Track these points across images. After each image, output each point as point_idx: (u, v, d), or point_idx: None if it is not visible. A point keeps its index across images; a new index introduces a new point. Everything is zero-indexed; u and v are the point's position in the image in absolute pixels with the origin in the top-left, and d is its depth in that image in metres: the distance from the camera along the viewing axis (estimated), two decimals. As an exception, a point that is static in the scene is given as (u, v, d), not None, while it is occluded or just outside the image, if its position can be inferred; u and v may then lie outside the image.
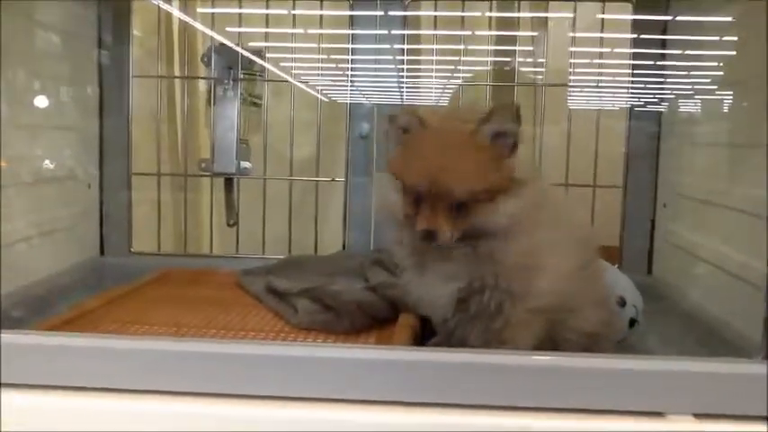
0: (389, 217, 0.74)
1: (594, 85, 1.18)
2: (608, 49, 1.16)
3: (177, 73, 1.34)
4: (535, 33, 1.25)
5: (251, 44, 1.18)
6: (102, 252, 1.21)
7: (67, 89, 1.10)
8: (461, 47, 1.16)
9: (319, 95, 1.25)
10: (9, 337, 0.60)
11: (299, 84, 1.23)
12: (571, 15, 1.15)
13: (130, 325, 0.86)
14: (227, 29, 1.19)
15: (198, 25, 1.25)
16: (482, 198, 0.67)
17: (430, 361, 0.61)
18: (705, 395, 0.59)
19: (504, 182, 0.68)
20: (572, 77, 1.16)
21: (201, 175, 1.22)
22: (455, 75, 1.19)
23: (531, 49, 1.23)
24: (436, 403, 0.60)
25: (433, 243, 0.68)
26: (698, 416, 0.59)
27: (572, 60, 1.16)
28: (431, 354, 0.63)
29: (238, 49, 1.16)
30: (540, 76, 1.20)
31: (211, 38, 1.18)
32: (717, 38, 0.99)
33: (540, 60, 1.22)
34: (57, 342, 0.62)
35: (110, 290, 0.99)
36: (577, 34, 1.15)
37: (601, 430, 0.59)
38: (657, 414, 0.60)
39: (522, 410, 0.60)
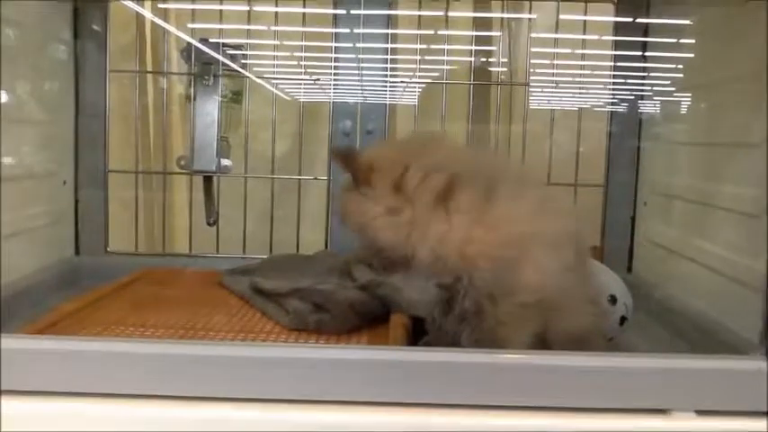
0: None
1: (574, 84, 1.19)
2: (579, 51, 1.17)
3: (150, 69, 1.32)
4: (498, 33, 1.27)
5: (230, 41, 1.16)
6: (77, 252, 1.17)
7: (38, 84, 1.06)
8: (423, 46, 1.17)
9: (301, 94, 1.23)
10: (9, 341, 0.58)
11: (280, 78, 1.21)
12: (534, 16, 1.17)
13: (115, 327, 0.84)
14: (197, 25, 1.17)
15: (168, 26, 1.23)
16: None
17: (427, 361, 0.61)
18: (707, 392, 0.60)
19: None
20: (555, 78, 1.17)
21: (180, 173, 1.20)
22: (420, 74, 1.19)
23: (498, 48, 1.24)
24: (434, 404, 0.60)
25: None
26: (700, 412, 0.60)
27: (552, 61, 1.17)
28: (427, 354, 0.62)
29: (213, 54, 1.14)
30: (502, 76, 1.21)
31: (191, 32, 1.15)
32: (693, 40, 1.02)
33: (504, 60, 1.23)
34: (55, 346, 0.60)
35: (90, 291, 0.96)
36: (560, 35, 1.16)
37: (605, 428, 0.60)
38: (661, 411, 0.60)
39: (526, 410, 0.60)
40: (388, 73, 1.16)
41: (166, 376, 0.59)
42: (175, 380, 0.59)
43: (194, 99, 1.17)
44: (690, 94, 1.05)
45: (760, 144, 0.80)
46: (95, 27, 1.16)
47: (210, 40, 1.15)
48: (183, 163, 1.18)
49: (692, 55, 1.03)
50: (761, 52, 0.79)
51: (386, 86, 1.17)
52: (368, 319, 0.88)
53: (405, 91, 1.21)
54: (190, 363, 0.59)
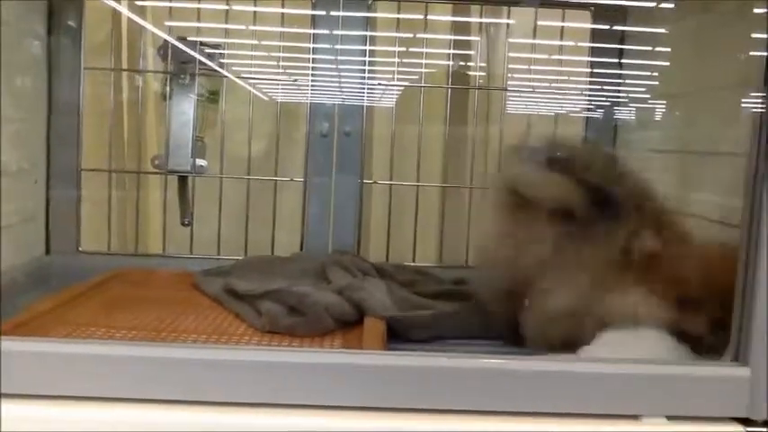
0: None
1: (551, 90, 1.20)
2: (556, 57, 1.18)
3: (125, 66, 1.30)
4: (477, 38, 1.27)
5: (208, 40, 1.15)
6: (47, 251, 1.15)
7: (10, 81, 1.04)
8: (401, 49, 1.17)
9: (279, 94, 1.23)
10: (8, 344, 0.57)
11: (257, 78, 1.20)
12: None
13: (85, 328, 0.82)
14: (175, 23, 1.16)
15: (145, 24, 1.22)
16: None
17: (402, 365, 0.61)
18: (677, 398, 0.61)
19: None
20: (532, 83, 1.18)
21: (155, 173, 1.18)
22: (398, 77, 1.19)
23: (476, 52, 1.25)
24: (409, 408, 0.60)
25: None
26: (671, 418, 0.61)
27: (529, 66, 1.17)
28: (403, 358, 0.62)
29: (190, 52, 1.13)
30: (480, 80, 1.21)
31: (168, 30, 1.14)
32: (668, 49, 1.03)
33: (482, 65, 1.24)
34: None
35: (61, 291, 0.94)
36: (537, 41, 1.17)
37: (576, 434, 0.60)
38: (632, 417, 0.61)
39: (497, 414, 0.60)
40: (366, 75, 1.16)
41: (144, 379, 0.58)
42: (155, 383, 0.58)
43: (170, 98, 1.15)
44: (664, 102, 1.06)
45: (732, 153, 0.81)
46: (70, 23, 1.14)
47: (188, 39, 1.14)
48: (157, 162, 1.17)
49: (666, 63, 1.04)
50: (733, 62, 0.80)
51: (364, 88, 1.17)
52: (342, 322, 0.88)
53: (383, 93, 1.21)
54: (162, 366, 0.59)
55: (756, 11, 0.74)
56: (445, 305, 0.95)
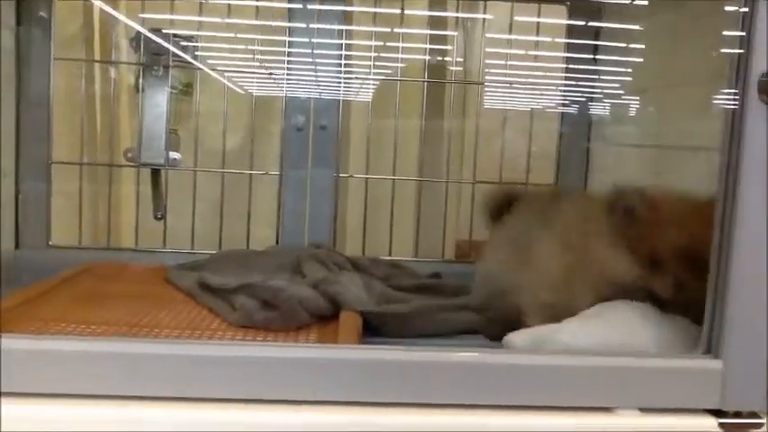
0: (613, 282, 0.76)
1: (527, 85, 1.20)
2: (532, 52, 1.18)
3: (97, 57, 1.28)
4: (453, 33, 1.27)
5: (182, 32, 1.14)
6: (17, 245, 1.13)
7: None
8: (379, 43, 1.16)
9: (254, 87, 1.22)
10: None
11: (232, 71, 1.19)
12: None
13: (54, 324, 0.81)
14: (148, 15, 1.14)
15: (118, 15, 1.20)
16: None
17: (379, 359, 0.61)
18: (650, 390, 0.61)
19: None
20: (508, 78, 1.18)
21: (128, 166, 1.17)
22: (375, 71, 1.18)
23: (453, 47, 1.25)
24: (385, 402, 0.60)
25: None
26: (643, 410, 0.61)
27: (506, 61, 1.17)
28: (380, 353, 0.62)
29: (163, 44, 1.11)
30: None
31: (142, 22, 1.12)
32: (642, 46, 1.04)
33: (459, 60, 1.24)
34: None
35: (31, 286, 0.93)
36: (513, 36, 1.17)
37: (549, 426, 0.60)
38: (605, 409, 0.61)
39: (469, 408, 0.60)
40: (343, 69, 1.15)
41: (130, 375, 0.57)
42: (138, 379, 0.57)
43: (143, 90, 1.14)
44: (638, 98, 1.07)
45: (704, 148, 0.82)
46: (41, 13, 1.12)
47: (162, 31, 1.12)
48: (130, 155, 1.15)
49: (640, 60, 1.05)
50: (705, 58, 0.81)
51: (340, 82, 1.16)
52: (317, 316, 0.87)
53: (360, 87, 1.21)
54: (139, 361, 0.58)
55: (727, 8, 0.76)
56: (421, 299, 0.95)
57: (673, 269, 0.73)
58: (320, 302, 0.87)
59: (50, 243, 1.15)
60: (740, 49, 0.60)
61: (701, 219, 0.69)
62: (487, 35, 1.20)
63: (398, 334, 0.87)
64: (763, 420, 0.61)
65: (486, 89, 1.21)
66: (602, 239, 0.78)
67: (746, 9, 0.60)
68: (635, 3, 1.01)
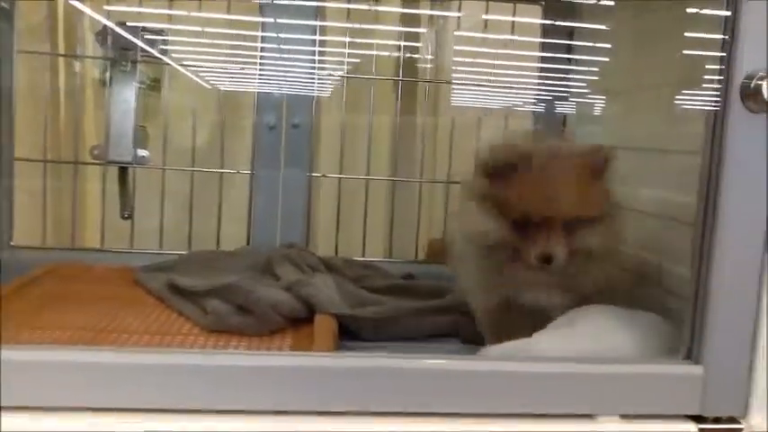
0: (480, 244, 0.76)
1: (500, 84, 1.19)
2: (505, 51, 1.18)
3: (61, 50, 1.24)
4: (424, 30, 1.26)
5: (150, 25, 1.11)
6: (-23, 245, 1.10)
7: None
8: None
9: (225, 83, 1.19)
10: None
11: (201, 67, 1.16)
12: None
13: (20, 329, 0.78)
14: (114, 8, 1.11)
15: (82, 7, 1.17)
16: (586, 223, 0.73)
17: (356, 367, 0.60)
18: (631, 396, 0.61)
19: (604, 208, 0.75)
20: (481, 77, 1.17)
21: (94, 164, 1.13)
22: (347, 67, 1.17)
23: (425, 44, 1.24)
24: (364, 411, 0.58)
25: (548, 265, 0.71)
26: (624, 417, 0.61)
27: (474, 59, 1.17)
28: (356, 360, 0.61)
29: (130, 38, 1.08)
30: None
31: (107, 14, 1.09)
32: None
33: (430, 57, 1.23)
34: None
35: (-9, 288, 0.89)
36: (486, 35, 1.16)
37: (530, 433, 0.60)
38: (586, 416, 0.61)
39: (449, 416, 0.59)
40: (316, 66, 1.13)
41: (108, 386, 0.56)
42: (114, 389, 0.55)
43: (110, 85, 1.11)
44: (609, 99, 1.07)
45: (672, 150, 0.82)
46: (2, 4, 1.08)
47: (129, 24, 1.09)
48: (96, 153, 1.12)
49: (607, 59, 1.05)
50: (672, 60, 0.81)
51: (313, 79, 1.14)
52: (291, 319, 0.86)
53: (332, 85, 1.19)
54: (105, 371, 0.56)
55: (689, 11, 0.76)
56: (395, 301, 0.94)
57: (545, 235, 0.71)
58: (294, 305, 0.86)
59: (12, 243, 1.11)
60: (722, 51, 0.60)
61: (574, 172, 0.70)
62: (458, 33, 1.19)
63: (374, 337, 0.86)
64: (743, 426, 0.61)
65: (458, 87, 1.20)
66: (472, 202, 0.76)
67: (729, 12, 0.59)
68: (602, 2, 1.01)
